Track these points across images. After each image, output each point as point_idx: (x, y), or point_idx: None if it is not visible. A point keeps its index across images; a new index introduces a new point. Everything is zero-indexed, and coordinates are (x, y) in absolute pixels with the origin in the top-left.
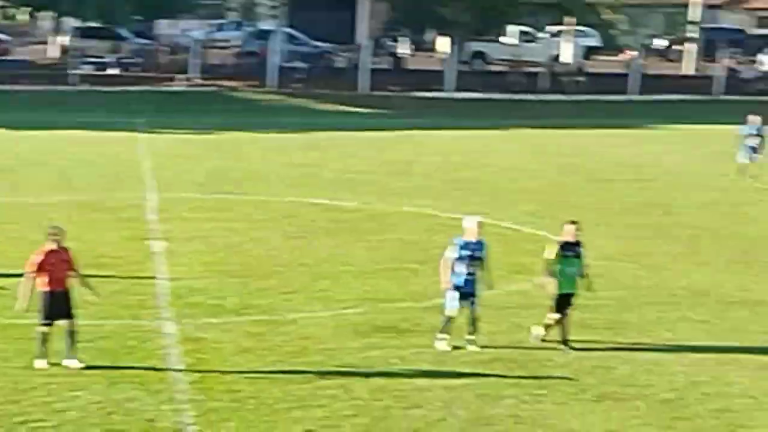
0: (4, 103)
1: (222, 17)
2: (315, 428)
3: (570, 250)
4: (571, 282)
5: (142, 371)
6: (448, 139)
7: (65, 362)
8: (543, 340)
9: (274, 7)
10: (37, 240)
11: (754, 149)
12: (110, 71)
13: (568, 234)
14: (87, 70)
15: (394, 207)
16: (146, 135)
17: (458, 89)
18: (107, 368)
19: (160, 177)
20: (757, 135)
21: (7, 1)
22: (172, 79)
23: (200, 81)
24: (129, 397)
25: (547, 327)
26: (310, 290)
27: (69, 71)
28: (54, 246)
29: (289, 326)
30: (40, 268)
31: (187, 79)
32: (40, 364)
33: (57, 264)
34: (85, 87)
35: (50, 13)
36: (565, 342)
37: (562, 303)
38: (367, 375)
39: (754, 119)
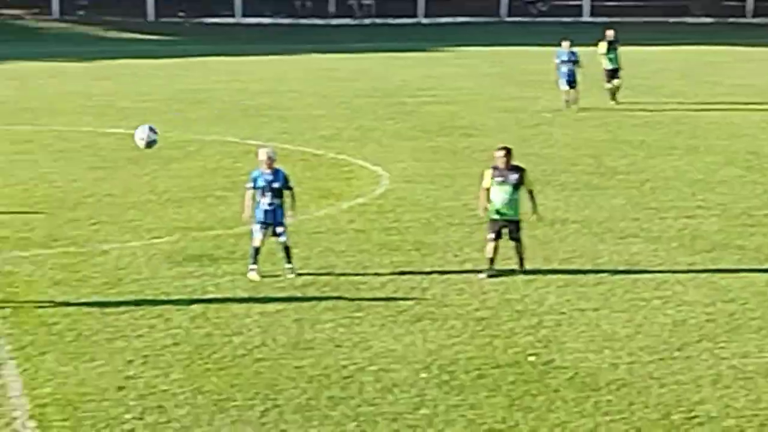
0: None
1: None
2: (135, 358)
3: (500, 175)
4: (506, 207)
5: None
6: (240, 65)
7: None
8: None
9: None
10: None
11: (570, 75)
12: None
13: (499, 160)
14: None
15: (194, 135)
16: None
17: (246, 14)
18: None
19: None
20: (570, 61)
21: None
22: None
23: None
24: None
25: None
26: (120, 221)
27: None
28: None
29: (101, 257)
30: None
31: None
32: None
33: None
34: None
35: None
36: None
37: (497, 227)
38: (185, 304)
39: (566, 44)
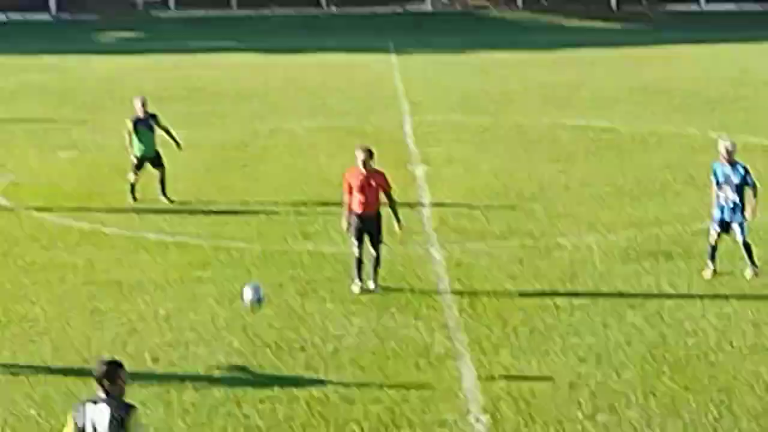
0: (256, 28)
1: None
2: (588, 356)
3: None
4: None
5: (413, 298)
6: (705, 54)
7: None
8: None
9: None
10: (300, 165)
11: None
12: None
13: None
14: None
15: (653, 126)
16: (398, 57)
17: (709, 1)
18: (378, 295)
19: (416, 100)
20: None
21: None
22: (422, 0)
23: (448, 1)
24: (402, 323)
25: None
26: (576, 214)
27: None
28: (361, 167)
29: (557, 251)
30: (349, 188)
31: None
32: (355, 288)
33: (365, 186)
34: (335, 10)
35: None
36: None
37: None
38: (639, 301)
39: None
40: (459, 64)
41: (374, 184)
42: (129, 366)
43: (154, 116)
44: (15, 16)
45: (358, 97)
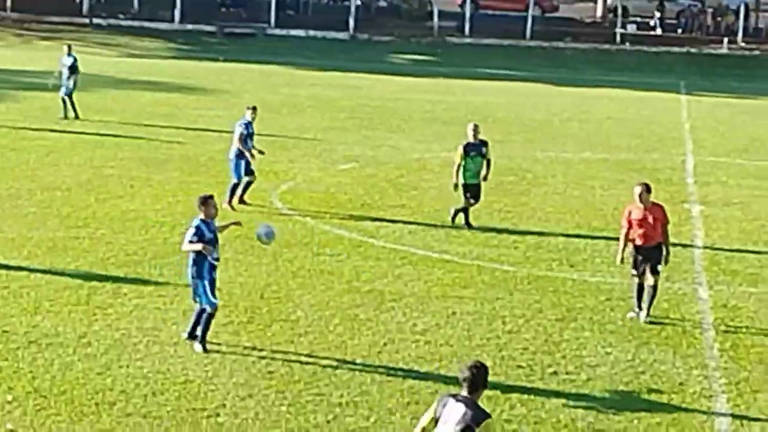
0: (550, 60)
1: None
2: None
3: None
4: None
5: (674, 333)
6: None
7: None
8: None
9: None
10: (575, 194)
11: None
12: (654, 31)
13: None
14: (631, 29)
15: None
16: (687, 97)
17: None
18: (638, 328)
19: (700, 140)
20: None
21: None
22: (716, 42)
23: (744, 45)
24: (659, 358)
25: None
26: None
27: (614, 30)
28: (638, 201)
29: None
30: (629, 222)
31: (732, 42)
32: (631, 314)
33: (644, 219)
34: (628, 46)
35: None
36: None
37: None
38: None
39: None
40: (749, 109)
41: (654, 217)
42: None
43: (485, 143)
44: (315, 33)
45: (642, 133)
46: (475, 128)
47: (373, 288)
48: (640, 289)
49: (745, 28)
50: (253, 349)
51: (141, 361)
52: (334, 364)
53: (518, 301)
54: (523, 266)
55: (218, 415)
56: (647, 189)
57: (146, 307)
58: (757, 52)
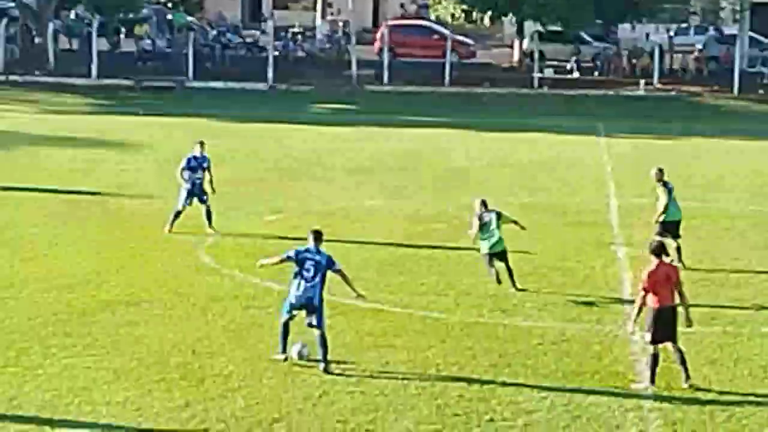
0: (469, 105)
1: (684, 21)
2: None
3: None
4: None
5: (607, 376)
6: None
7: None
8: None
9: (737, 11)
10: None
11: None
12: (571, 75)
13: None
14: (548, 73)
15: None
16: (607, 139)
17: None
18: (572, 372)
19: (622, 181)
20: None
21: (472, 7)
22: (633, 84)
23: (661, 86)
24: (595, 401)
25: None
26: None
27: (531, 74)
28: (657, 261)
29: (759, 339)
30: (649, 285)
31: (648, 84)
32: (637, 386)
33: (661, 280)
34: (546, 90)
35: (512, 17)
36: None
37: None
38: None
39: None
40: (669, 148)
41: (670, 278)
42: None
43: (499, 214)
44: (234, 84)
45: (564, 176)
46: (483, 202)
47: (307, 340)
48: (655, 360)
49: (660, 70)
50: (187, 405)
51: (73, 422)
52: (270, 418)
53: (451, 348)
54: (454, 313)
55: None
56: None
57: (76, 366)
58: (673, 93)
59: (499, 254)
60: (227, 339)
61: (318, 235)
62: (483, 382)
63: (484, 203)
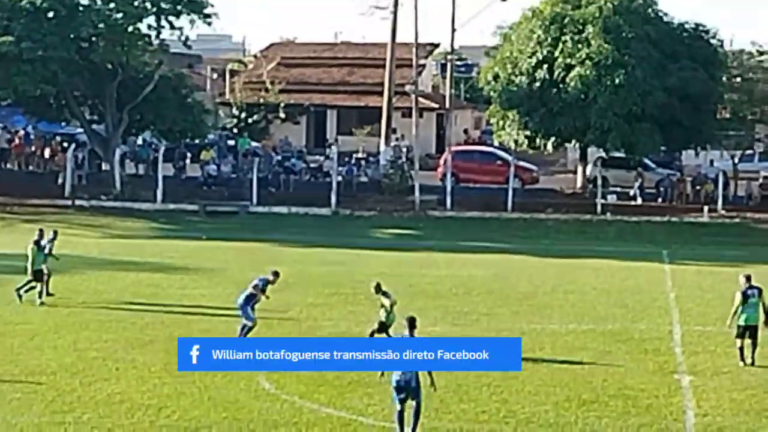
0: (531, 231)
1: (749, 147)
2: None
3: None
4: None
5: None
6: None
7: None
8: None
9: None
10: (563, 366)
11: None
12: (634, 201)
13: None
14: (611, 199)
15: None
16: (671, 266)
17: None
18: None
19: (686, 309)
20: None
21: (535, 133)
22: (697, 210)
23: (725, 212)
24: None
25: None
26: None
27: (594, 200)
28: None
29: None
30: None
31: (712, 210)
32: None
33: None
34: (609, 216)
35: (575, 143)
36: None
37: None
38: None
39: None
40: (733, 276)
41: None
42: None
43: (760, 291)
44: (297, 209)
45: (627, 303)
46: (747, 278)
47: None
48: None
49: (724, 197)
50: None
51: None
52: None
53: None
54: None
55: None
56: None
57: None
58: (737, 220)
59: (751, 328)
60: None
61: (412, 323)
62: None
63: (748, 278)
